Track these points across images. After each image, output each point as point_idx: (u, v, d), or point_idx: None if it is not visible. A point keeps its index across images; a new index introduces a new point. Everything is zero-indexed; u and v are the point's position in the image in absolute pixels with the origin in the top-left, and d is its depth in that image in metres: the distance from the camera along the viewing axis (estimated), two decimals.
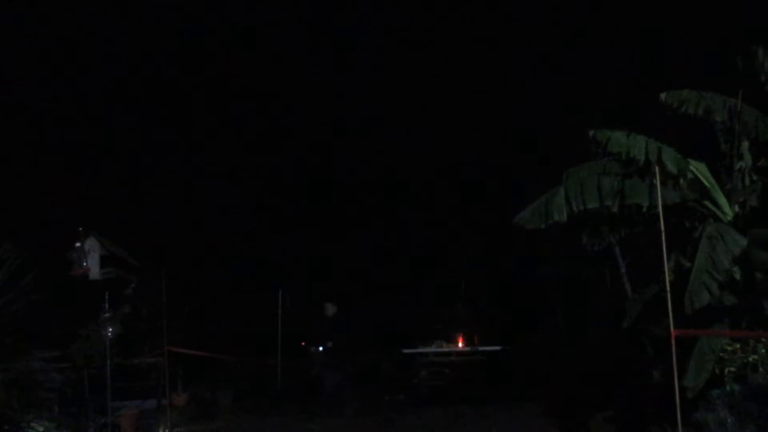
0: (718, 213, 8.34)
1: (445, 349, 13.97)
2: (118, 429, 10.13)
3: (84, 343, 10.50)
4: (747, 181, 8.42)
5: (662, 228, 7.16)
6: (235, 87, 17.71)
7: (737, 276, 7.83)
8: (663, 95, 8.70)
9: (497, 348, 13.52)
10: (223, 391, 12.77)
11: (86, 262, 10.59)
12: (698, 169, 8.45)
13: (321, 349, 12.65)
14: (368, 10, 17.34)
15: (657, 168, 7.65)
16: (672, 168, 7.98)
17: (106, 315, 10.36)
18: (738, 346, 7.43)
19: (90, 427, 9.75)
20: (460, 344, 14.15)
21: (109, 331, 10.24)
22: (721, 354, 7.42)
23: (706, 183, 8.45)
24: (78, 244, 10.69)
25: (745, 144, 8.45)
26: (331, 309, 12.61)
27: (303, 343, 13.83)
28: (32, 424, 7.96)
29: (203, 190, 16.96)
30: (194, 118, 17.25)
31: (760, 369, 7.21)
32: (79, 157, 15.75)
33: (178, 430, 10.59)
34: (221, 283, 15.04)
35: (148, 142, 16.84)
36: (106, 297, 10.44)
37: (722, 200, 8.40)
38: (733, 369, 7.32)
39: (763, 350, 7.27)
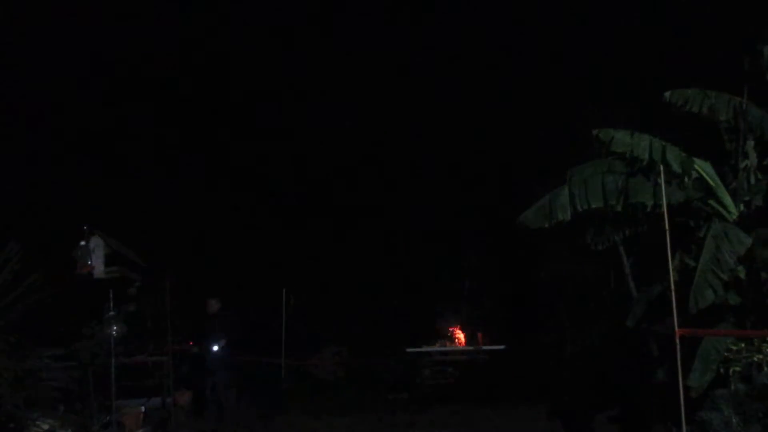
0: (723, 212, 8.32)
1: (449, 348, 13.98)
2: (123, 427, 10.13)
3: (89, 341, 10.50)
4: (752, 180, 8.40)
5: (666, 227, 7.15)
6: (237, 87, 17.73)
7: (742, 275, 7.82)
8: (667, 94, 8.71)
9: (501, 347, 13.51)
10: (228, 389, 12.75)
11: (91, 261, 10.54)
12: (703, 168, 8.43)
13: (215, 348, 10.98)
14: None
15: (662, 167, 7.64)
16: (676, 167, 7.98)
17: (111, 313, 10.36)
18: (743, 345, 7.43)
19: (94, 426, 9.76)
20: (463, 344, 14.16)
21: (114, 330, 10.24)
22: (726, 353, 7.41)
23: (710, 182, 8.43)
24: (83, 243, 10.64)
25: (750, 143, 8.43)
26: (214, 305, 11.10)
27: (191, 342, 12.30)
28: (37, 422, 7.98)
29: (205, 190, 16.97)
30: (196, 118, 17.26)
31: (765, 368, 7.21)
32: (83, 155, 15.78)
33: (182, 429, 10.60)
34: (225, 282, 15.03)
35: (151, 141, 16.86)
36: (111, 296, 10.44)
37: (727, 199, 8.38)
38: (738, 368, 7.31)
39: None
